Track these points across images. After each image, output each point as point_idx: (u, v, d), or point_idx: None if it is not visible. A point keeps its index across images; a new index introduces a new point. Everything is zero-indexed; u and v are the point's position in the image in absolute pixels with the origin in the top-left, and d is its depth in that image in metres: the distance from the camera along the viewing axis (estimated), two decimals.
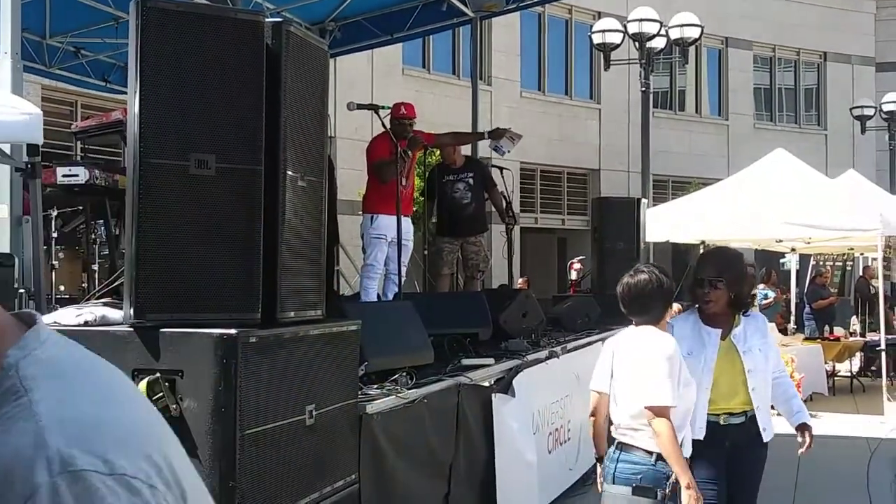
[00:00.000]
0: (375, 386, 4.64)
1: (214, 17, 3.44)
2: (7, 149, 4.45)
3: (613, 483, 4.09)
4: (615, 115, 23.82)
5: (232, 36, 3.43)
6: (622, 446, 4.15)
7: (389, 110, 7.58)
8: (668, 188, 24.54)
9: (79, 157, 8.33)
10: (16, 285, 4.35)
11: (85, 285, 7.32)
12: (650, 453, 4.06)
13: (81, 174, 6.13)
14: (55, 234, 7.17)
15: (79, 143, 7.76)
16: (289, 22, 3.58)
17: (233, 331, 3.25)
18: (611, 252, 10.52)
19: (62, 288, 7.30)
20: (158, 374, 3.25)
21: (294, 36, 3.57)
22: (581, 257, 13.57)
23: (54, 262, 7.19)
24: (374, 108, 6.82)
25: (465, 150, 9.99)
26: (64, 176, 6.18)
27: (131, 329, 3.33)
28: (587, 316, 9.49)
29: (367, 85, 18.01)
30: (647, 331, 4.19)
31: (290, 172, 3.54)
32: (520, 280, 17.14)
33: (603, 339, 8.92)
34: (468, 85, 14.52)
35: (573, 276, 13.28)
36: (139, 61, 3.31)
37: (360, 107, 6.81)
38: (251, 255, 3.43)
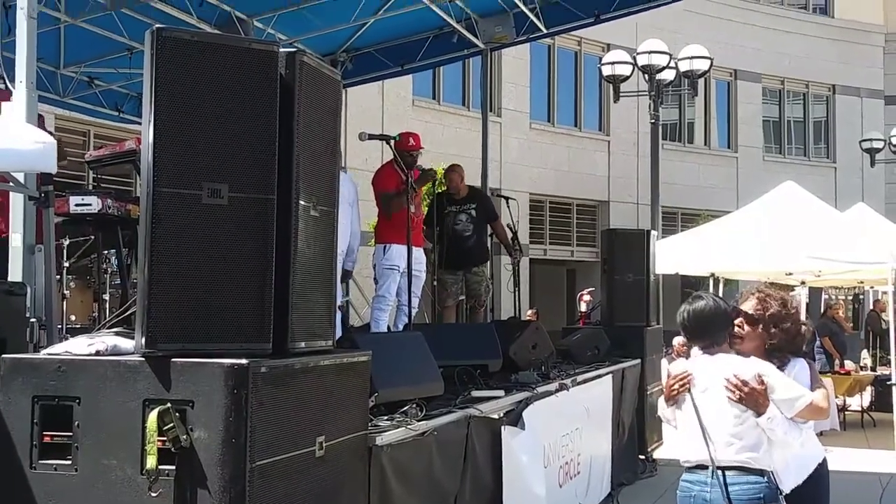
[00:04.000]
0: (385, 417, 4.62)
1: (229, 47, 3.45)
2: (21, 178, 4.47)
3: None
4: (624, 147, 23.87)
5: (246, 66, 3.44)
6: (726, 470, 4.13)
7: (398, 139, 7.61)
8: (677, 220, 24.53)
9: (91, 187, 8.37)
10: (28, 314, 4.35)
11: (96, 315, 7.31)
12: (763, 473, 4.12)
13: (94, 203, 6.16)
14: (66, 264, 7.17)
15: (91, 172, 7.80)
16: (302, 52, 3.59)
17: (244, 361, 3.24)
18: (620, 284, 10.48)
19: (73, 318, 7.30)
20: (169, 405, 3.24)
21: (307, 66, 3.58)
22: (591, 289, 13.55)
23: (65, 292, 7.19)
24: (385, 138, 6.85)
25: (470, 180, 10.00)
26: (77, 205, 6.21)
27: (142, 359, 3.32)
28: (597, 348, 9.45)
29: (377, 115, 18.08)
30: (729, 357, 4.24)
31: (302, 202, 3.55)
32: (529, 312, 17.11)
33: (612, 372, 8.92)
34: (478, 116, 14.58)
35: (583, 307, 13.24)
36: (154, 90, 3.32)
37: (371, 137, 6.83)
38: (263, 285, 3.42)
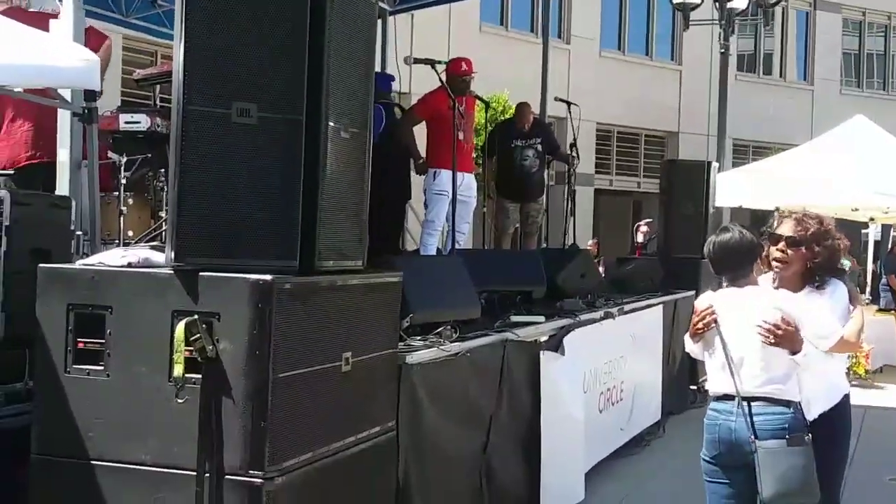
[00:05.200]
0: (419, 338, 4.71)
1: None
2: (68, 95, 4.58)
3: (758, 439, 4.10)
4: (696, 77, 23.40)
5: None
6: (752, 401, 4.16)
7: (446, 65, 7.59)
8: (748, 153, 24.12)
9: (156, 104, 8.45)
10: (73, 227, 4.49)
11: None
12: (789, 404, 4.15)
13: (143, 121, 6.27)
14: (124, 181, 7.31)
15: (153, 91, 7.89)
16: None
17: (268, 277, 3.32)
18: (678, 215, 10.45)
19: (130, 233, 7.45)
20: (196, 316, 3.34)
21: None
22: (648, 220, 13.47)
23: (122, 208, 7.33)
24: (432, 62, 6.84)
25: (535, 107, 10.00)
26: (126, 123, 6.33)
27: (171, 272, 3.42)
28: (650, 279, 9.45)
29: (443, 42, 17.95)
30: (757, 290, 4.24)
31: (332, 124, 3.58)
32: (590, 242, 17.08)
33: (663, 303, 8.91)
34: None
35: (639, 238, 13.20)
36: (185, 8, 3.37)
37: (417, 61, 6.82)
38: (290, 204, 3.48)
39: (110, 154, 7.46)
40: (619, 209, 23.89)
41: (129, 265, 3.57)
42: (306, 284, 3.48)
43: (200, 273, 3.39)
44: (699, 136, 23.51)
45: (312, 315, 3.52)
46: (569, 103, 9.32)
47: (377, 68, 10.73)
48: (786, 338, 4.14)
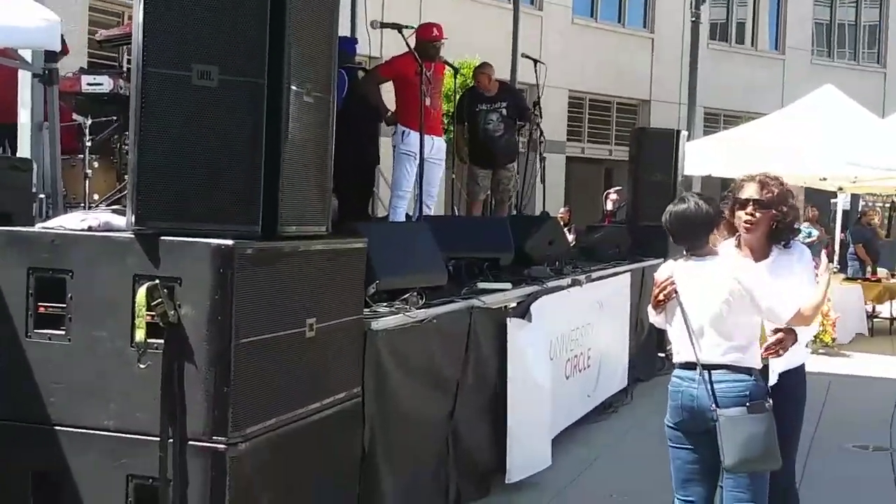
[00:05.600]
0: (385, 304, 4.70)
1: None
2: (28, 55, 4.51)
3: (719, 407, 4.12)
4: (668, 46, 23.41)
5: None
6: (713, 370, 4.17)
7: (413, 30, 7.55)
8: (719, 122, 24.18)
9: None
10: (34, 190, 4.44)
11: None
12: (750, 371, 4.16)
13: (106, 83, 6.21)
14: (89, 143, 7.24)
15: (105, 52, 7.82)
16: None
17: (230, 242, 3.30)
18: (647, 183, 10.46)
19: (96, 197, 7.39)
20: (157, 281, 3.32)
21: None
22: (618, 188, 13.49)
23: (87, 171, 7.27)
24: (398, 27, 6.80)
25: (500, 75, 9.91)
26: (89, 84, 6.26)
27: (132, 236, 3.39)
28: (618, 246, 9.48)
29: (415, 7, 17.81)
30: (717, 260, 4.27)
31: (294, 87, 3.55)
32: (561, 210, 17.10)
33: (631, 270, 8.95)
34: (521, 10, 14.29)
35: (609, 206, 13.23)
36: None
37: (384, 25, 6.79)
38: (252, 169, 3.46)
39: (75, 116, 7.39)
40: (591, 177, 23.90)
41: (90, 229, 3.53)
42: (268, 250, 3.47)
43: (161, 237, 3.37)
44: (671, 104, 23.55)
45: (275, 281, 3.51)
46: (535, 61, 9.25)
47: (346, 33, 10.72)
48: (784, 343, 4.22)
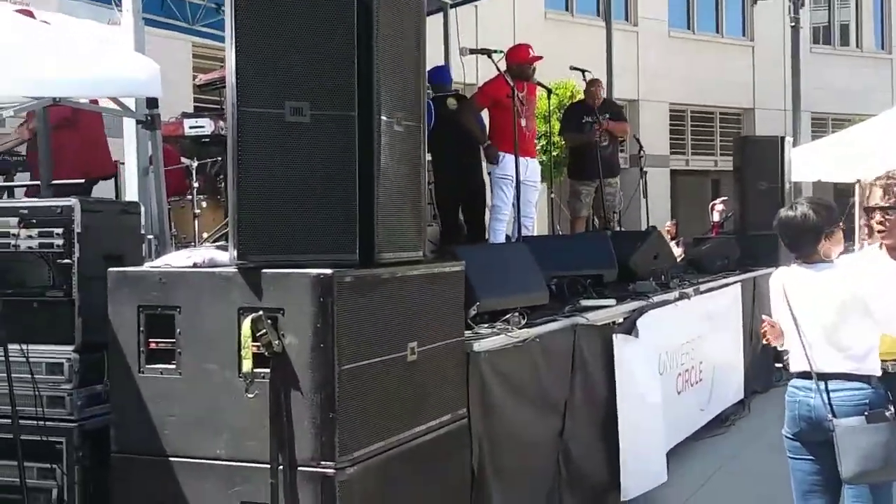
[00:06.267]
0: (486, 325, 4.73)
1: None
2: (132, 104, 4.71)
3: (836, 416, 4.04)
4: (769, 52, 22.99)
5: None
6: (829, 379, 4.10)
7: (503, 54, 7.60)
8: (827, 126, 23.58)
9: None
10: (143, 231, 4.61)
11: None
12: (868, 379, 4.08)
13: (207, 125, 6.42)
14: (196, 184, 7.48)
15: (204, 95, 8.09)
16: None
17: (328, 271, 3.38)
18: (753, 192, 10.28)
19: (205, 235, 7.62)
20: (261, 312, 3.42)
21: None
22: (724, 198, 13.26)
23: (196, 211, 7.51)
24: (487, 52, 6.86)
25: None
26: (191, 128, 6.48)
27: (235, 270, 3.50)
28: (727, 257, 9.32)
29: (508, 30, 17.92)
30: (832, 268, 4.19)
31: (384, 118, 3.63)
32: (667, 223, 16.89)
33: (741, 281, 8.78)
34: (614, 27, 14.26)
35: (715, 217, 13.01)
36: (234, 13, 3.44)
37: (473, 52, 6.85)
38: (347, 199, 3.54)
39: (183, 159, 7.66)
40: (698, 189, 23.57)
41: (195, 265, 3.65)
42: (366, 277, 3.53)
43: (263, 270, 3.46)
44: (775, 111, 23.08)
45: (375, 307, 3.57)
46: (583, 71, 9.21)
47: (440, 61, 10.83)
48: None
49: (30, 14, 5.39)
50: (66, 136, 6.10)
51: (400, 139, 3.76)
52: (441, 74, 9.10)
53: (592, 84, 9.95)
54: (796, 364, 4.25)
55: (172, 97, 8.01)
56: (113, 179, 7.47)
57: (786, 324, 4.28)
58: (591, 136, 9.43)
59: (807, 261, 4.23)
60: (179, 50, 13.33)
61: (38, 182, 5.47)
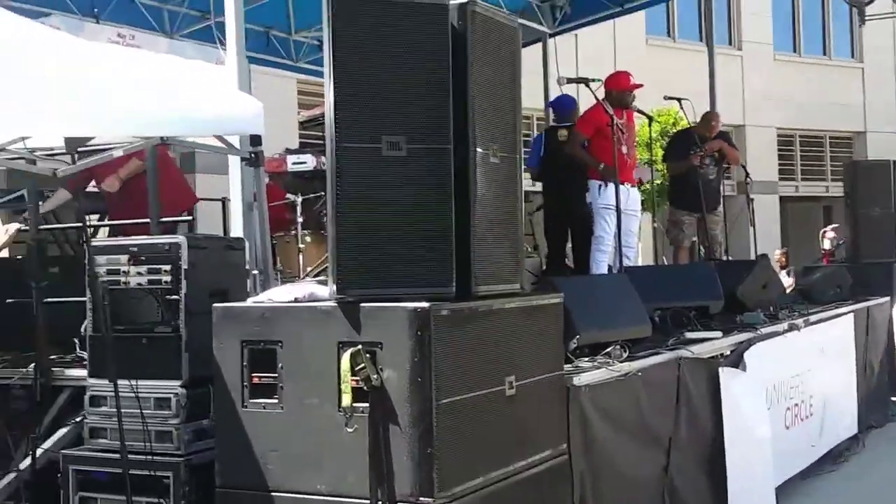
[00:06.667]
0: (587, 359, 4.67)
1: (401, 3, 3.57)
2: (236, 141, 4.82)
3: None
4: (880, 73, 22.37)
5: (418, 20, 3.55)
6: None
7: (601, 83, 7.56)
8: None
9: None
10: (247, 266, 4.71)
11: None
12: None
13: (309, 161, 6.54)
14: (300, 219, 7.62)
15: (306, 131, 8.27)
16: (475, 2, 3.65)
17: (425, 304, 3.38)
18: (865, 218, 10.00)
19: (309, 269, 7.74)
20: (360, 346, 3.43)
21: (480, 16, 3.65)
22: (835, 225, 12.90)
23: (300, 246, 7.64)
24: (585, 80, 6.84)
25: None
26: (294, 164, 6.62)
27: (335, 304, 3.53)
28: (839, 287, 9.04)
29: (609, 57, 17.83)
30: None
31: (479, 150, 3.63)
32: (777, 252, 16.48)
33: (854, 311, 8.50)
34: (718, 52, 14.08)
35: (826, 245, 12.65)
36: (332, 49, 3.49)
37: (570, 81, 6.83)
38: (444, 232, 3.54)
39: (288, 195, 7.82)
40: (809, 215, 22.98)
41: (296, 300, 3.70)
42: (463, 310, 3.52)
43: (362, 304, 3.48)
44: (889, 134, 22.39)
45: (472, 340, 3.56)
46: (680, 100, 9.05)
47: (540, 91, 10.83)
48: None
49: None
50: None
51: (496, 171, 3.75)
52: (565, 104, 9.10)
53: (711, 116, 9.86)
54: None
55: (278, 133, 8.22)
56: (221, 216, 7.65)
57: None
58: (693, 160, 9.29)
59: None
60: (285, 87, 13.64)
61: (137, 221, 5.66)
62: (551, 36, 11.37)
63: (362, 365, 3.42)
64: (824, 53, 23.06)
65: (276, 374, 3.61)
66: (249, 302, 3.90)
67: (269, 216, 5.22)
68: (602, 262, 7.95)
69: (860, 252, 9.91)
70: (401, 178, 3.53)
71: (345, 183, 3.51)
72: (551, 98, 10.13)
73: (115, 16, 9.68)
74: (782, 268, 14.95)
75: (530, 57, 12.17)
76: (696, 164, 9.31)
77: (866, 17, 14.10)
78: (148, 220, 5.35)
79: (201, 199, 7.98)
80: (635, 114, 8.28)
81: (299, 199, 7.59)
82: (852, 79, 22.99)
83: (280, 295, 3.80)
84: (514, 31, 3.91)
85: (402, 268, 3.53)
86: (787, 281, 11.05)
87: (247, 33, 10.51)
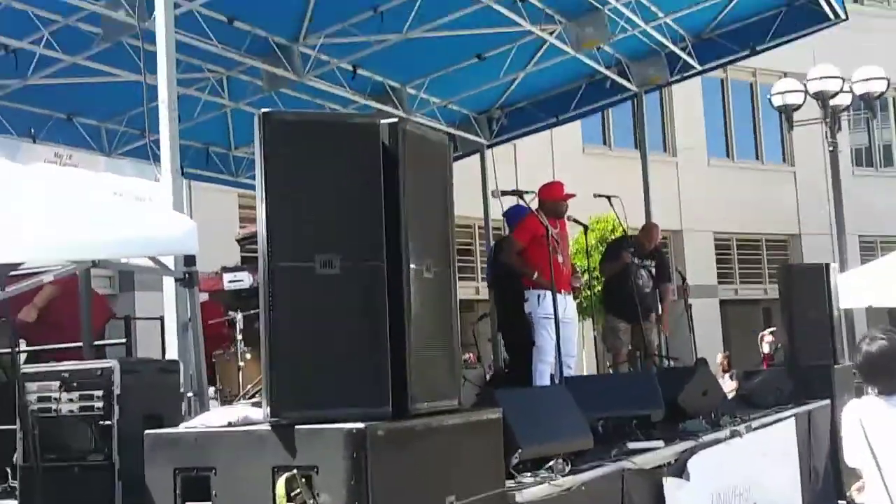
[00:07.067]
0: (529, 474, 4.60)
1: (331, 123, 3.62)
2: (171, 261, 4.78)
3: None
4: (812, 177, 22.96)
5: (350, 139, 3.58)
6: None
7: (534, 194, 7.69)
8: (876, 249, 23.32)
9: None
10: (182, 389, 4.62)
11: None
12: None
13: (246, 279, 6.50)
14: (240, 337, 7.53)
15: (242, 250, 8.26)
16: (405, 121, 3.70)
17: (361, 425, 3.32)
18: (801, 322, 10.08)
19: (248, 387, 7.62)
20: (296, 471, 3.35)
21: (411, 133, 3.68)
22: (772, 328, 13.08)
23: (240, 364, 7.53)
24: (518, 193, 6.96)
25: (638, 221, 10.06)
26: (230, 282, 6.57)
27: (269, 428, 3.45)
28: (779, 391, 9.09)
29: (548, 166, 18.14)
30: None
31: (413, 266, 3.62)
32: (719, 356, 16.64)
33: (795, 415, 8.54)
34: (653, 159, 14.44)
35: (765, 349, 12.83)
36: (263, 170, 3.49)
37: (504, 193, 6.94)
38: (378, 350, 3.50)
39: (230, 312, 7.74)
40: (749, 318, 23.27)
41: (230, 424, 3.62)
42: (400, 429, 3.46)
43: (296, 427, 3.40)
44: (822, 236, 22.87)
45: (410, 460, 3.49)
46: (609, 197, 9.19)
47: (479, 201, 11.00)
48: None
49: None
50: (63, 301, 6.34)
51: (430, 285, 3.74)
52: (518, 214, 9.21)
53: (650, 227, 10.06)
54: (874, 500, 4.06)
55: (220, 250, 8.18)
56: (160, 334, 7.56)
57: (862, 462, 4.11)
58: (625, 258, 9.44)
59: (888, 395, 4.06)
60: (226, 202, 13.66)
61: (69, 345, 5.57)
62: (489, 147, 11.60)
63: (298, 490, 3.33)
64: (757, 158, 23.71)
65: (209, 503, 3.50)
66: (182, 427, 3.80)
67: (209, 334, 5.16)
68: (545, 372, 7.94)
69: (798, 355, 9.96)
70: (334, 296, 3.49)
71: (277, 302, 3.46)
72: (491, 208, 10.29)
73: (52, 135, 9.70)
74: (724, 371, 15.08)
75: (470, 167, 12.42)
76: (628, 262, 9.44)
77: (794, 123, 14.60)
78: (81, 344, 5.26)
79: (139, 318, 7.87)
80: (572, 222, 8.41)
81: (239, 317, 7.51)
82: (785, 182, 23.61)
83: (213, 419, 3.71)
84: (445, 147, 3.95)
85: (338, 388, 3.47)
86: (730, 385, 11.11)
87: (187, 150, 10.67)
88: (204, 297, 5.11)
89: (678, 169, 21.37)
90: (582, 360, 11.85)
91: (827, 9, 10.58)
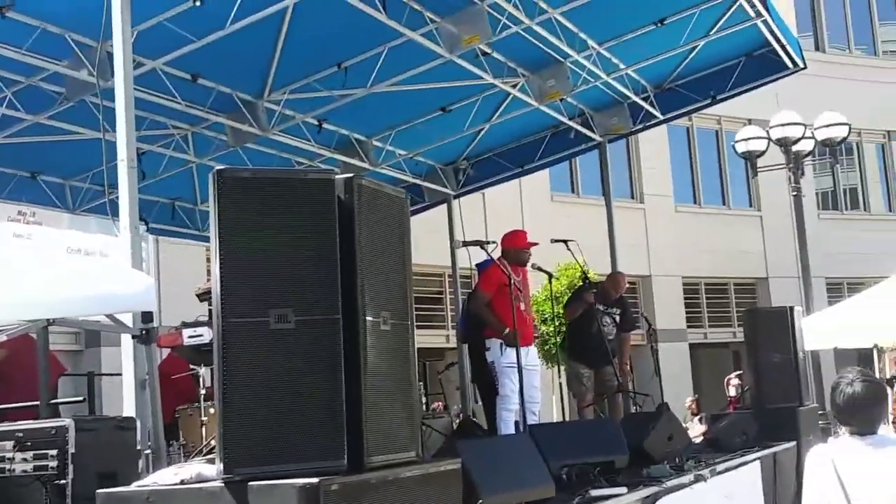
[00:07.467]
0: None
1: (286, 180, 3.65)
2: (128, 318, 4.78)
3: None
4: (778, 221, 23.14)
5: (305, 194, 3.62)
6: None
7: (496, 244, 7.75)
8: (843, 291, 23.54)
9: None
10: (139, 447, 4.59)
11: None
12: None
13: (206, 334, 6.48)
14: (203, 391, 7.49)
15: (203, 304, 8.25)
16: (360, 176, 3.74)
17: (315, 479, 3.32)
18: (767, 365, 10.15)
19: (204, 444, 7.57)
20: None
21: (366, 188, 3.73)
22: (738, 372, 13.13)
23: (203, 418, 7.49)
24: (480, 243, 7.00)
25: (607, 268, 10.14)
26: (190, 337, 6.56)
27: (222, 485, 3.44)
28: (744, 434, 9.12)
29: (516, 214, 18.23)
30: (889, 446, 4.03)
31: (370, 318, 3.65)
32: (688, 400, 16.67)
33: (760, 458, 8.56)
34: (620, 205, 14.52)
35: (731, 392, 12.86)
36: (218, 226, 3.52)
37: (466, 244, 6.99)
38: (334, 404, 3.51)
39: (192, 366, 7.70)
40: (718, 361, 23.33)
41: (183, 482, 3.60)
42: (355, 483, 3.46)
43: (250, 483, 3.40)
44: (789, 279, 23.03)
45: None
46: (566, 241, 9.21)
47: (447, 251, 11.05)
48: None
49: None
50: (15, 359, 6.32)
51: (387, 337, 3.77)
52: (487, 264, 9.25)
53: (617, 276, 10.15)
54: None
55: (187, 304, 8.17)
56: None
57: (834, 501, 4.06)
58: (588, 298, 9.49)
59: (862, 434, 4.03)
60: (194, 257, 13.61)
61: (25, 404, 5.53)
62: (455, 197, 11.68)
63: None
64: (724, 203, 23.94)
65: None
66: (134, 486, 3.78)
67: (176, 389, 5.13)
68: (509, 420, 7.95)
69: (764, 398, 10.01)
70: (289, 350, 3.51)
71: (231, 358, 3.48)
72: (458, 257, 10.34)
73: (16, 194, 9.68)
74: (694, 415, 15.09)
75: (438, 217, 12.49)
76: (591, 302, 9.49)
77: (759, 169, 14.78)
78: (36, 403, 5.23)
79: (101, 374, 7.83)
80: (537, 271, 8.47)
81: (202, 371, 7.48)
82: (751, 227, 23.83)
83: (167, 477, 3.70)
84: (402, 201, 4.00)
85: (292, 442, 3.48)
86: (699, 428, 11.14)
87: (153, 205, 10.68)
88: (157, 355, 5.09)
89: (646, 215, 21.54)
90: (552, 405, 11.84)
91: (786, 58, 10.82)
